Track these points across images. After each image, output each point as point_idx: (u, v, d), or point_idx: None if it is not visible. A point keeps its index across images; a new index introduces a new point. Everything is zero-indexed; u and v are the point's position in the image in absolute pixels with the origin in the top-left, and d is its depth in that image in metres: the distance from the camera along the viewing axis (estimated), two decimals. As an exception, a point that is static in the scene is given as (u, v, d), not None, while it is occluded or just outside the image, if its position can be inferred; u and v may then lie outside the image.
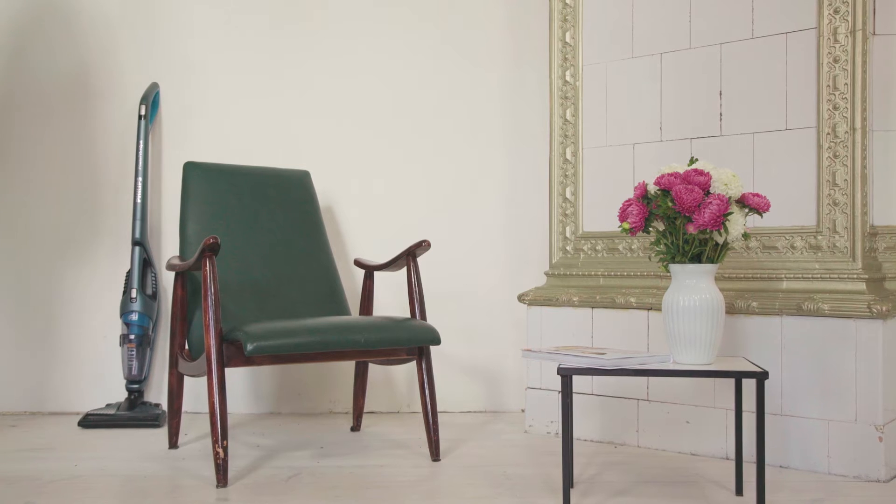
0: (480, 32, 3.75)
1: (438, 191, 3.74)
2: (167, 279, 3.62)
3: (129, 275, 3.48)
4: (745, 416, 2.53)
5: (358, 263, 3.26)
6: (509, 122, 3.74)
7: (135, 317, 3.43)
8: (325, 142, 3.74)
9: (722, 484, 2.51)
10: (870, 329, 2.55)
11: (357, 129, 3.75)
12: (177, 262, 2.89)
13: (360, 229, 3.74)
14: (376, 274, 3.25)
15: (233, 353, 2.56)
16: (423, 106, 3.75)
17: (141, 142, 3.54)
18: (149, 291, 3.49)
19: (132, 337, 3.44)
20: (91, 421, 3.32)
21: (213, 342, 2.52)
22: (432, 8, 3.75)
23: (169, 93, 3.73)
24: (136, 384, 3.45)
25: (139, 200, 3.51)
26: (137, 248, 3.49)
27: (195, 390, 3.49)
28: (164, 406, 3.49)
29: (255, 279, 3.05)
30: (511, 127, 3.74)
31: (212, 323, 2.52)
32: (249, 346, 2.50)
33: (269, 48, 3.74)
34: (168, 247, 3.69)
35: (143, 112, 3.57)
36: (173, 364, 2.93)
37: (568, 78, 3.23)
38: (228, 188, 3.16)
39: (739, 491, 2.39)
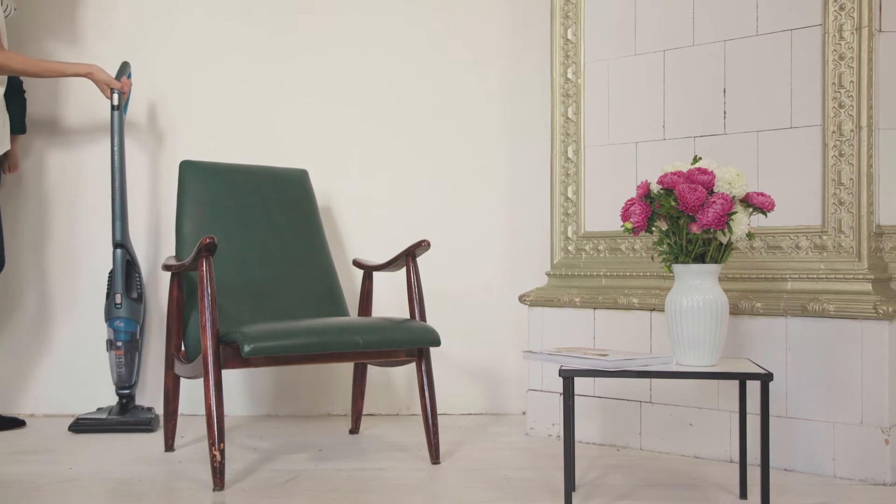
0: (482, 28, 3.72)
1: (438, 190, 3.72)
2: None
3: (111, 279, 3.34)
4: (749, 418, 2.51)
5: (357, 264, 3.23)
6: (510, 119, 3.72)
7: (121, 323, 3.31)
8: (324, 141, 3.71)
9: (726, 487, 2.48)
10: (876, 330, 2.52)
11: (356, 127, 3.73)
12: (173, 262, 2.87)
13: (358, 229, 3.71)
14: (375, 274, 3.22)
15: (230, 354, 2.54)
16: (424, 103, 3.72)
17: (115, 136, 3.27)
18: (134, 295, 3.35)
19: (119, 343, 3.32)
20: (82, 425, 3.26)
21: (209, 343, 2.49)
22: (434, 2, 3.72)
23: (165, 89, 3.70)
24: (126, 389, 3.36)
25: (118, 199, 3.30)
26: (119, 251, 3.31)
27: (191, 392, 3.45)
28: (158, 409, 3.45)
29: (252, 280, 3.02)
30: (512, 125, 3.72)
31: (208, 324, 2.49)
32: (247, 348, 2.47)
33: (268, 41, 3.71)
34: (166, 247, 3.66)
35: (115, 102, 3.27)
36: (169, 366, 2.90)
37: (570, 75, 3.20)
38: (225, 187, 3.14)
39: (744, 494, 2.36)
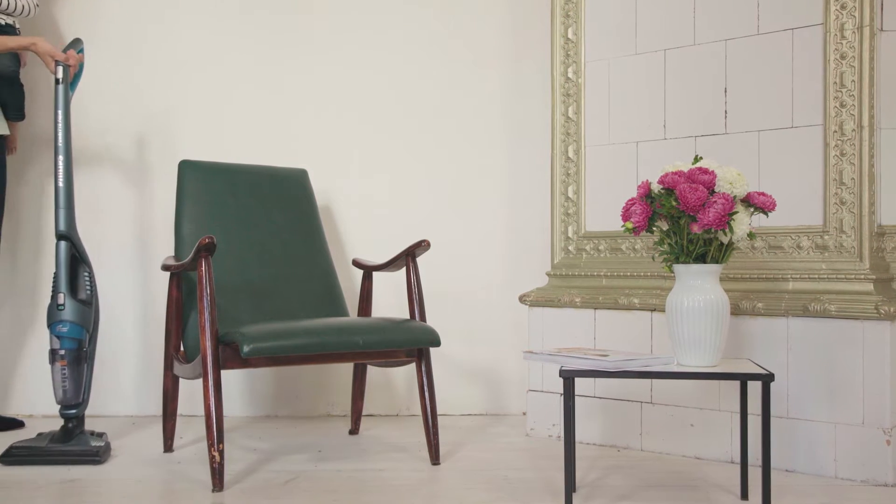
0: (482, 28, 3.71)
1: (438, 190, 3.71)
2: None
3: (55, 277, 2.86)
4: (750, 418, 2.50)
5: (356, 263, 3.22)
6: (510, 119, 3.71)
7: (65, 328, 2.80)
8: (324, 140, 3.70)
9: (727, 488, 2.47)
10: (877, 330, 2.51)
11: (356, 127, 3.72)
12: (172, 262, 2.86)
13: (358, 229, 3.70)
14: (375, 274, 3.21)
15: (229, 354, 2.53)
16: (424, 103, 3.71)
17: (60, 112, 2.87)
18: (82, 296, 2.87)
19: (63, 352, 2.80)
20: (14, 456, 2.76)
21: (208, 344, 2.48)
22: (434, 2, 3.71)
23: (165, 89, 3.69)
24: (72, 409, 2.83)
25: (61, 184, 2.86)
26: (63, 244, 2.84)
27: (191, 393, 3.44)
28: (157, 410, 3.44)
29: (251, 280, 3.01)
30: (512, 125, 3.71)
31: (207, 324, 2.48)
32: (246, 348, 2.46)
33: (268, 41, 3.70)
34: (165, 247, 3.65)
35: (59, 75, 2.88)
36: (168, 366, 2.90)
37: (570, 75, 3.19)
38: (224, 187, 3.13)
39: (745, 495, 2.36)
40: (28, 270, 3.66)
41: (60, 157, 2.88)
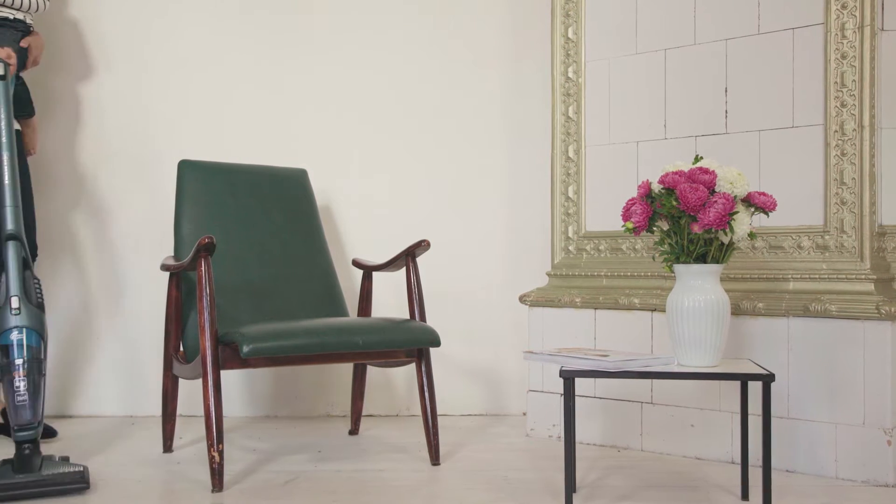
0: (482, 28, 3.71)
1: (438, 190, 3.71)
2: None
3: (4, 279, 2.57)
4: (750, 419, 2.49)
5: (356, 263, 3.22)
6: (510, 119, 3.71)
7: (20, 333, 2.46)
8: (324, 140, 3.70)
9: (727, 488, 2.47)
10: (878, 330, 2.51)
11: (356, 127, 3.71)
12: (171, 262, 2.86)
13: (358, 229, 3.70)
14: (375, 274, 3.21)
15: (228, 355, 2.52)
16: (424, 103, 3.71)
17: (2, 108, 2.69)
18: (34, 301, 2.56)
19: (18, 363, 2.43)
20: None
21: (208, 344, 2.48)
22: (434, 2, 3.71)
23: (165, 89, 3.68)
24: (29, 431, 2.41)
25: (7, 181, 2.63)
26: (12, 244, 2.57)
27: (190, 393, 3.43)
28: (155, 409, 3.43)
29: (251, 280, 3.01)
30: (512, 125, 3.70)
31: (207, 324, 2.48)
32: (246, 348, 2.46)
33: (268, 41, 3.70)
34: (165, 248, 3.65)
35: (0, 72, 2.72)
36: (168, 366, 2.90)
37: (570, 74, 3.19)
38: (224, 187, 3.12)
39: (745, 495, 2.35)
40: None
41: (5, 154, 2.67)
